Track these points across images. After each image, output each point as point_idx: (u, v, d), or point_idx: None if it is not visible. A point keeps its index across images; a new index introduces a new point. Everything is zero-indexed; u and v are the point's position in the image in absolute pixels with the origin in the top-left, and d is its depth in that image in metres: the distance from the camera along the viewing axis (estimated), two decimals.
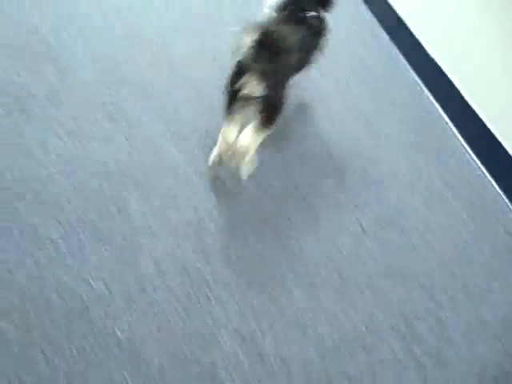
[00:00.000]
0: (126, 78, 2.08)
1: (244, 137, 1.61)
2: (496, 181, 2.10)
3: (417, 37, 2.42)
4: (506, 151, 2.03)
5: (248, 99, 1.55)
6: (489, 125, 2.10)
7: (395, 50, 2.54)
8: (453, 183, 2.04)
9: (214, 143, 1.76)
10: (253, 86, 1.53)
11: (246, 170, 1.77)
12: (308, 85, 2.20)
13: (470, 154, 2.18)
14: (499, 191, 2.08)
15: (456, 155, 2.16)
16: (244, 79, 1.53)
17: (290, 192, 1.85)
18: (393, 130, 2.18)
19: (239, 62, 1.55)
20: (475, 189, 2.05)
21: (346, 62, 2.41)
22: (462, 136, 2.22)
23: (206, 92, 2.09)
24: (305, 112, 2.14)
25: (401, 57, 2.51)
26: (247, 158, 1.70)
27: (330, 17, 1.92)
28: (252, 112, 1.58)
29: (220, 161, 1.76)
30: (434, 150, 2.15)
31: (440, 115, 2.30)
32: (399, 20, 2.54)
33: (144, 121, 1.95)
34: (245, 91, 1.54)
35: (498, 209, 2.01)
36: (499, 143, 2.06)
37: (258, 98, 1.54)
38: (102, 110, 1.95)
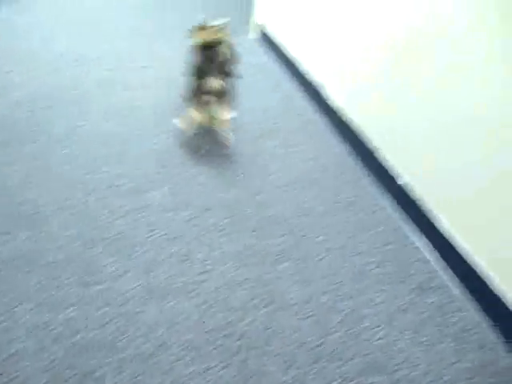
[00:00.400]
0: (103, 235, 2.00)
1: (223, 113, 2.39)
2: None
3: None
4: None
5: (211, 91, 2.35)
6: None
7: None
8: None
9: (192, 309, 1.75)
10: (215, 83, 2.34)
11: (229, 134, 2.49)
12: None
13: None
14: None
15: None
16: (207, 79, 2.34)
17: None
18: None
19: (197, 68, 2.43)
20: None
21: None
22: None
23: (184, 248, 1.99)
24: None
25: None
26: (227, 127, 2.46)
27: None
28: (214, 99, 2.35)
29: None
30: None
31: None
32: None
33: (125, 288, 1.82)
34: (211, 86, 2.34)
35: None
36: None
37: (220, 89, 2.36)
38: (75, 271, 1.85)
